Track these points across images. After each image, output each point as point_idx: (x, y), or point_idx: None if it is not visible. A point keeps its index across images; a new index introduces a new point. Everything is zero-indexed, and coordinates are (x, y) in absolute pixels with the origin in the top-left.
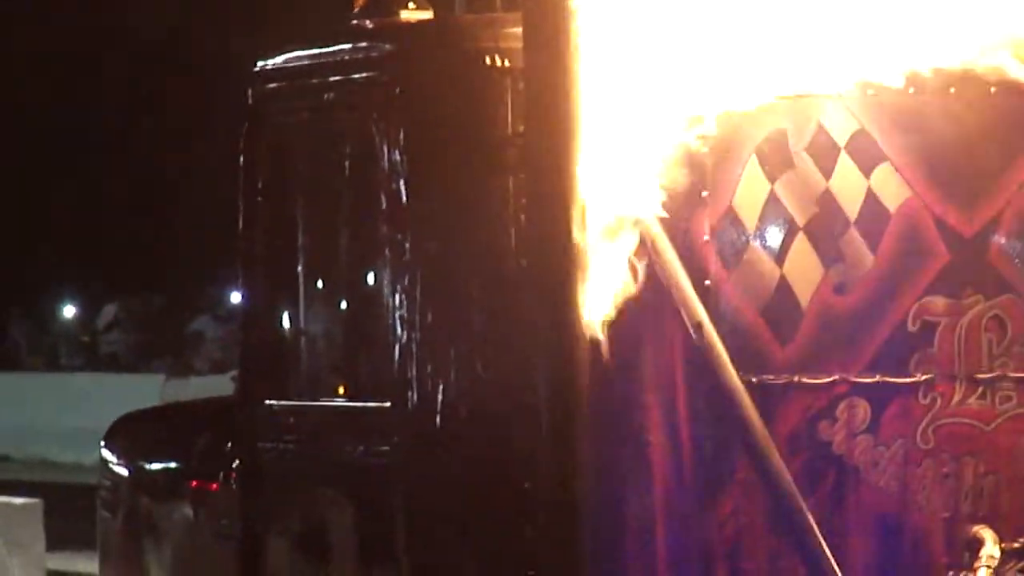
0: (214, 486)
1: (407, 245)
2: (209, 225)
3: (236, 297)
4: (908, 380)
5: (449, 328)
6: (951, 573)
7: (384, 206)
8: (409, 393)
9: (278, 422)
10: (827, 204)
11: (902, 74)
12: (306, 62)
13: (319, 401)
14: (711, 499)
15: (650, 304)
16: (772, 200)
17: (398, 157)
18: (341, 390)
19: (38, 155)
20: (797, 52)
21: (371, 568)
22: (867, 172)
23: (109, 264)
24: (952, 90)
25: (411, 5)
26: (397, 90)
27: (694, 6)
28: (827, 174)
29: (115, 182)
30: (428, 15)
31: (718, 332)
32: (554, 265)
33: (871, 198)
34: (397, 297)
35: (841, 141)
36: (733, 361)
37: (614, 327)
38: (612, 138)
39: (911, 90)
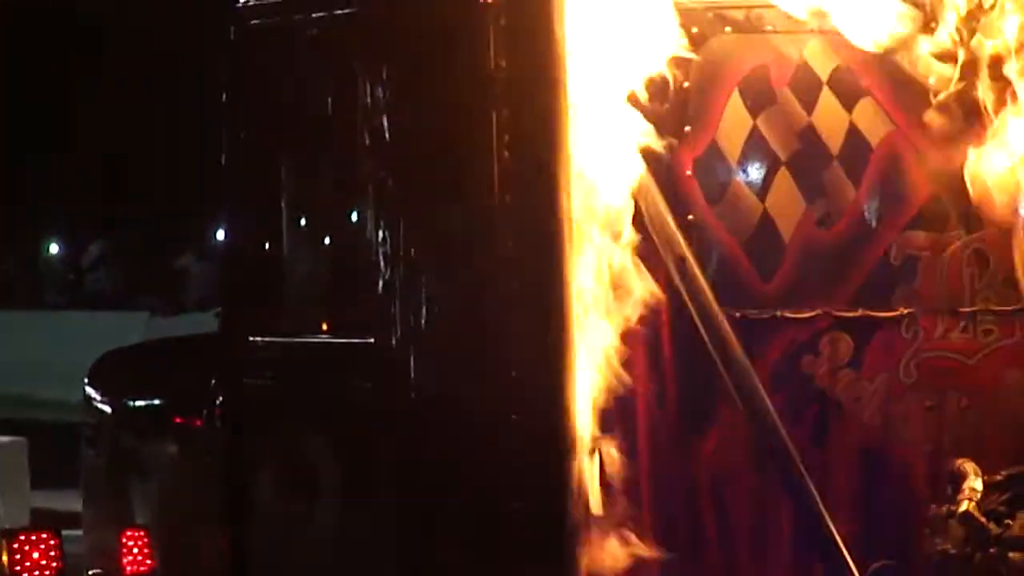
0: (198, 423)
1: (390, 181)
2: (197, 161)
3: (221, 234)
4: (891, 314)
5: (432, 265)
6: (933, 506)
7: (367, 142)
8: (392, 329)
9: (262, 358)
10: (809, 139)
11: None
12: None
13: (303, 337)
14: (695, 435)
15: (635, 240)
16: (755, 135)
17: (381, 93)
18: (325, 326)
19: (20, 93)
20: None
21: (355, 505)
22: (849, 107)
23: (95, 202)
24: (933, 25)
25: None
26: (380, 25)
27: None
28: (809, 109)
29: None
30: None
31: (701, 267)
32: (536, 201)
33: (853, 133)
34: (380, 233)
35: (823, 76)
36: (716, 296)
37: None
38: (596, 73)
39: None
